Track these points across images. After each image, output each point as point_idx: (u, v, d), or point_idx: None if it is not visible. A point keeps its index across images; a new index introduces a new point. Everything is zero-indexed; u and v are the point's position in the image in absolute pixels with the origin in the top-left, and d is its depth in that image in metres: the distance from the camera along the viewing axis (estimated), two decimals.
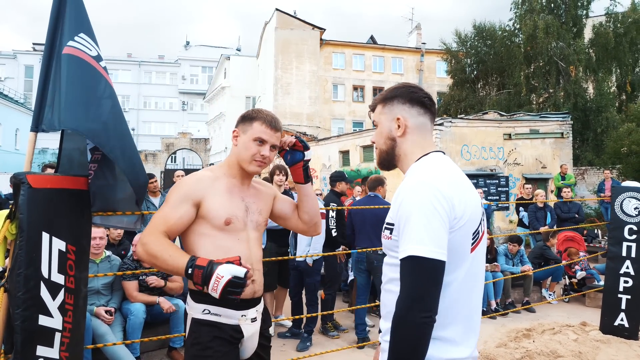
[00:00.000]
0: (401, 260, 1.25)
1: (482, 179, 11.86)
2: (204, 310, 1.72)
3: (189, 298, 1.78)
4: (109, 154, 2.06)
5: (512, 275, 6.23)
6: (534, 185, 10.71)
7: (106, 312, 3.91)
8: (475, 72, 24.48)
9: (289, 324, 5.25)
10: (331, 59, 29.14)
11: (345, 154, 16.49)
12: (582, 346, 4.31)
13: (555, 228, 7.46)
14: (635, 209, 4.67)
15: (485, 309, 5.97)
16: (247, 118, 1.85)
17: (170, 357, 4.30)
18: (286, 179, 5.33)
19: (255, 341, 1.82)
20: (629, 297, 4.58)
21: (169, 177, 23.95)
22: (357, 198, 7.20)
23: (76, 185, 2.11)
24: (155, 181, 6.20)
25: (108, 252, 4.32)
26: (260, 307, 1.85)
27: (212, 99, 37.98)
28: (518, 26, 21.86)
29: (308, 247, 4.80)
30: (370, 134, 15.04)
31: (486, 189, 11.66)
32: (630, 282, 4.59)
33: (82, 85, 2.07)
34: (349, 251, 5.24)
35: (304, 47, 27.90)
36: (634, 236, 4.63)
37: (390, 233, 1.36)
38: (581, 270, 6.62)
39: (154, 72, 47.23)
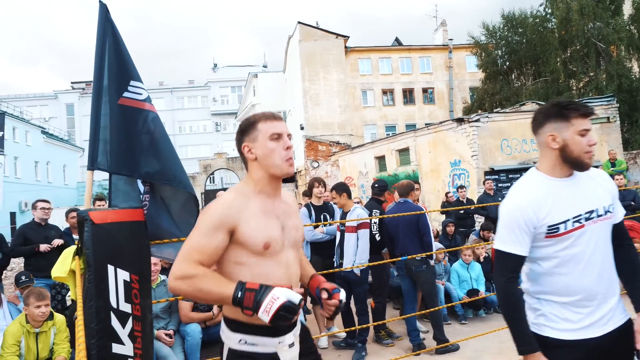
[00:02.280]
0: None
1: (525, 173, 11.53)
2: (240, 340, 1.64)
3: (224, 326, 1.71)
4: (172, 184, 2.20)
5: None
6: None
7: (166, 334, 4.05)
8: (507, 63, 23.89)
9: (343, 334, 5.25)
10: (357, 65, 29.19)
11: (381, 159, 16.42)
12: None
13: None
14: None
15: None
16: (247, 127, 1.75)
17: None
18: (325, 190, 5.36)
19: None
20: None
21: (209, 198, 24.56)
22: None
23: (134, 217, 2.23)
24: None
25: (162, 277, 4.47)
26: (297, 330, 1.78)
27: (243, 117, 38.74)
28: (550, 10, 21.21)
29: (354, 257, 4.81)
30: (406, 137, 15.00)
31: None
32: None
33: (137, 132, 2.25)
34: (392, 260, 5.21)
35: (329, 57, 28.08)
36: None
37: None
38: None
39: (186, 97, 48.73)
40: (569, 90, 19.61)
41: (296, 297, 1.49)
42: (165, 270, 5.47)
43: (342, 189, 4.91)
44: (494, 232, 7.39)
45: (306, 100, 27.27)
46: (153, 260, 4.24)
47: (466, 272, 5.99)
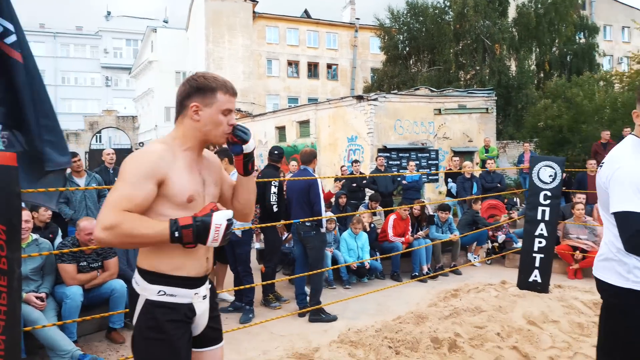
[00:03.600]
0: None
1: (414, 153, 12.39)
2: (159, 291, 1.66)
3: (140, 279, 1.70)
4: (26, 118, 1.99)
5: (441, 241, 6.66)
6: (461, 157, 11.36)
7: (37, 297, 3.74)
8: (407, 49, 25.09)
9: (231, 298, 5.30)
10: (265, 33, 28.60)
11: (281, 129, 16.47)
12: (501, 301, 4.74)
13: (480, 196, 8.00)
14: (550, 176, 5.13)
15: (417, 273, 6.37)
16: (206, 89, 1.72)
17: (109, 339, 4.22)
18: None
19: (206, 318, 1.81)
20: (542, 255, 5.08)
21: (94, 157, 22.69)
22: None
23: (3, 161, 2.01)
24: (79, 160, 5.89)
25: (35, 236, 4.10)
26: (208, 283, 1.86)
27: (138, 74, 36.07)
28: (448, 4, 22.59)
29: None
30: (307, 110, 15.21)
31: (417, 162, 12.20)
32: (544, 243, 5.08)
33: None
34: (284, 223, 5.34)
35: (236, 20, 27.13)
36: (548, 201, 5.11)
37: None
38: (502, 234, 7.21)
39: (72, 45, 43.89)
40: (458, 81, 21.26)
41: (229, 213, 1.60)
42: (37, 229, 5.03)
43: (224, 154, 4.89)
44: (381, 204, 7.83)
45: (209, 63, 26.14)
46: (24, 217, 3.86)
47: (354, 241, 6.34)
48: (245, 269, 4.96)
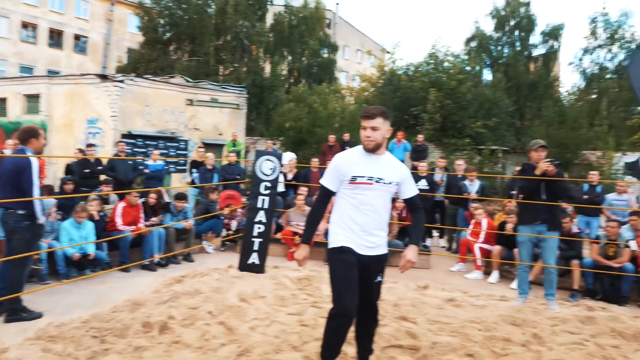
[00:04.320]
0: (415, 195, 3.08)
1: (163, 142, 12.11)
2: None
3: None
4: None
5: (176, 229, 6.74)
6: (210, 149, 11.68)
7: None
8: (168, 34, 24.22)
9: None
10: None
11: (1, 101, 13.74)
12: (221, 283, 5.12)
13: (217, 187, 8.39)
14: (270, 169, 5.78)
15: (148, 263, 6.28)
16: None
17: None
18: None
19: None
20: (260, 240, 5.69)
21: None
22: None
23: None
24: None
25: None
26: None
27: None
28: None
29: None
30: (38, 82, 13.08)
31: (166, 152, 11.98)
32: (262, 228, 5.71)
33: None
34: None
35: None
36: (268, 191, 5.75)
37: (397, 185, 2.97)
38: (236, 222, 7.74)
39: None
40: (217, 75, 21.70)
41: None
42: None
43: None
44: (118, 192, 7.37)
45: None
46: None
47: (76, 231, 5.84)
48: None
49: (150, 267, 6.21)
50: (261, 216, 5.70)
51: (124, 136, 11.10)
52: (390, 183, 2.92)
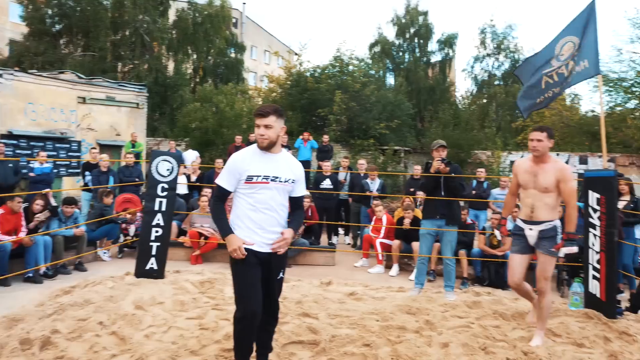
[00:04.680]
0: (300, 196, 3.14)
1: (51, 142, 11.09)
2: None
3: None
4: None
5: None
6: (107, 151, 10.94)
7: None
8: (57, 27, 22.24)
9: None
10: None
11: None
12: (115, 291, 4.80)
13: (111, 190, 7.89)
14: (167, 170, 5.54)
15: (32, 275, 5.72)
16: None
17: None
18: None
19: None
20: (158, 244, 5.42)
21: None
22: None
23: None
24: None
25: None
26: None
27: None
28: None
29: None
30: None
31: (55, 153, 10.99)
32: (160, 232, 5.45)
33: None
34: None
35: None
36: (165, 193, 5.50)
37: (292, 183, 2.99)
38: (135, 227, 7.32)
39: None
40: (115, 71, 20.39)
41: None
42: None
43: None
44: None
45: None
46: None
47: None
48: None
49: (34, 279, 5.65)
50: (159, 219, 5.44)
51: (3, 136, 9.99)
52: (286, 181, 2.95)
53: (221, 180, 2.92)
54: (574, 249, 3.78)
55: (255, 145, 2.97)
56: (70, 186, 11.58)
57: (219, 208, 2.95)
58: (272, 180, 2.88)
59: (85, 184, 8.73)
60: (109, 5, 21.10)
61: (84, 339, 3.65)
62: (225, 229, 2.87)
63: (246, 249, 2.84)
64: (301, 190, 3.12)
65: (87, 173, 8.70)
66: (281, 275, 3.05)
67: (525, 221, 3.92)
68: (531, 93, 5.89)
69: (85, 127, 12.10)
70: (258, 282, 2.86)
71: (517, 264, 3.94)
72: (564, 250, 3.73)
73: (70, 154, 11.57)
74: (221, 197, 2.95)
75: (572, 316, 4.59)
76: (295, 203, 3.13)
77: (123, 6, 19.87)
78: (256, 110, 2.92)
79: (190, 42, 23.55)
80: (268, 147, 2.90)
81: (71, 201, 6.49)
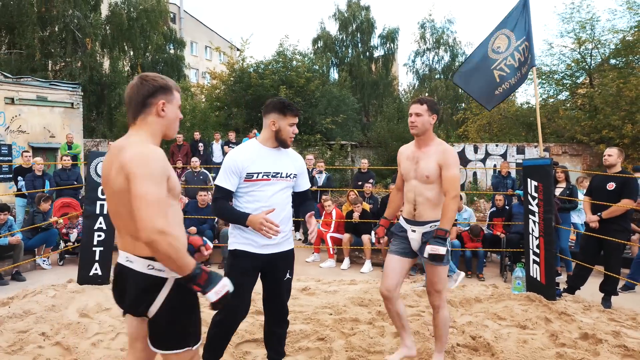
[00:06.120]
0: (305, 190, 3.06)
1: None
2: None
3: None
4: None
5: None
6: (42, 154, 10.32)
7: None
8: None
9: None
10: None
11: None
12: (57, 300, 4.59)
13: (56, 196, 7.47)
14: None
15: None
16: (166, 87, 1.85)
17: None
18: None
19: None
20: (101, 248, 5.22)
21: None
22: None
23: None
24: None
25: None
26: None
27: None
28: None
29: None
30: None
31: None
32: (103, 236, 5.24)
33: None
34: None
35: None
36: (104, 195, 5.28)
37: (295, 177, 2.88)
38: (78, 233, 6.99)
39: None
40: (45, 70, 19.22)
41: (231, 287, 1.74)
42: None
43: None
44: None
45: None
46: None
47: None
48: None
49: None
50: (101, 223, 5.24)
51: None
52: (288, 176, 2.80)
53: (221, 181, 2.71)
54: (441, 250, 2.77)
55: (252, 140, 2.84)
56: (2, 192, 10.84)
57: (223, 205, 2.70)
58: (273, 176, 2.73)
59: (19, 190, 8.22)
60: (34, 1, 19.79)
61: (25, 352, 3.48)
62: (239, 217, 2.62)
63: (246, 253, 2.73)
64: (305, 183, 2.98)
65: (20, 178, 8.20)
66: (288, 276, 2.89)
67: (407, 220, 3.14)
68: (486, 88, 6.06)
69: (15, 129, 11.35)
70: (246, 289, 2.75)
71: (393, 266, 3.12)
72: (428, 250, 2.79)
73: (0, 158, 10.82)
74: (225, 197, 2.71)
75: (515, 300, 4.90)
76: (302, 196, 2.99)
77: (51, 2, 18.71)
78: (292, 108, 2.78)
79: (125, 39, 22.52)
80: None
81: (3, 208, 6.10)
